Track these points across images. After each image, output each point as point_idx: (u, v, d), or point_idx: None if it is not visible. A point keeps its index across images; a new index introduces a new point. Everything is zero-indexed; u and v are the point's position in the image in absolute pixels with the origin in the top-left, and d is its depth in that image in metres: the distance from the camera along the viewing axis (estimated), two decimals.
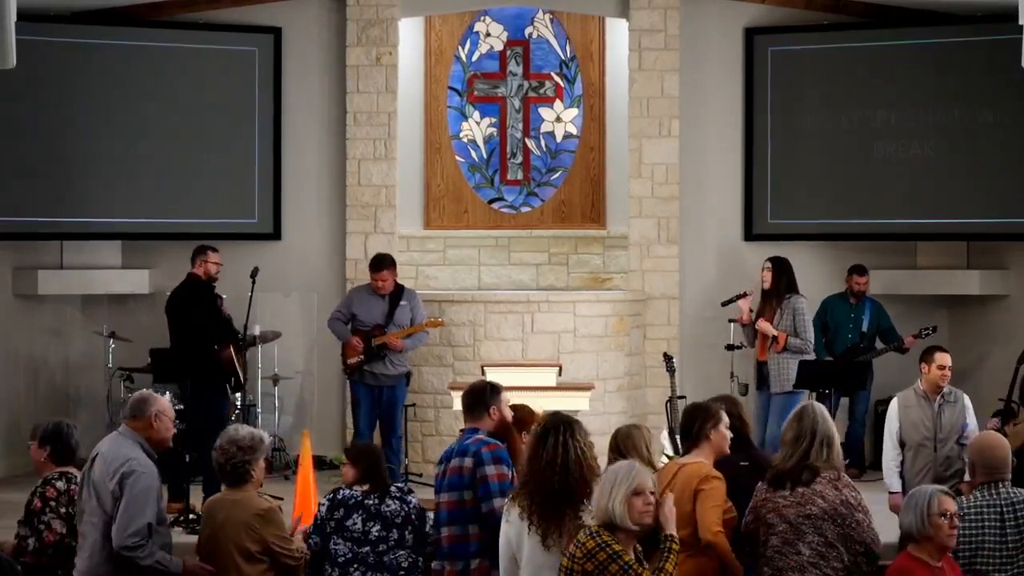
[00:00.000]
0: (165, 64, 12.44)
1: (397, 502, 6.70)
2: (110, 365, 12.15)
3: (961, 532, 5.82)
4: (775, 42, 12.76)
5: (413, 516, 6.70)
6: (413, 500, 6.78)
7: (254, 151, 12.69)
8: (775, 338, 10.85)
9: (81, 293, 12.68)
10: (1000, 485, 5.97)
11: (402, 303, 11.16)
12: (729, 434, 6.56)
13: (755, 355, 11.16)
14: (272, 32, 12.68)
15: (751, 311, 11.23)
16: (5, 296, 12.28)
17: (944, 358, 8.83)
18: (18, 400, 12.27)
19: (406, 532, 6.66)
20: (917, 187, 12.46)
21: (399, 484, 6.91)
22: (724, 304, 11.63)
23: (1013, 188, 12.13)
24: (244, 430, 6.47)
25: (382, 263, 11.18)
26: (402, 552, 6.65)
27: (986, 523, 5.90)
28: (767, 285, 11.09)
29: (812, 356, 11.03)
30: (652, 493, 5.56)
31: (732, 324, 12.06)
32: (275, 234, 12.67)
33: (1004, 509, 5.88)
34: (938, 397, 8.81)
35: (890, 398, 12.37)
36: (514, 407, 7.09)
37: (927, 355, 8.94)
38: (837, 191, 12.66)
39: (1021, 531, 5.85)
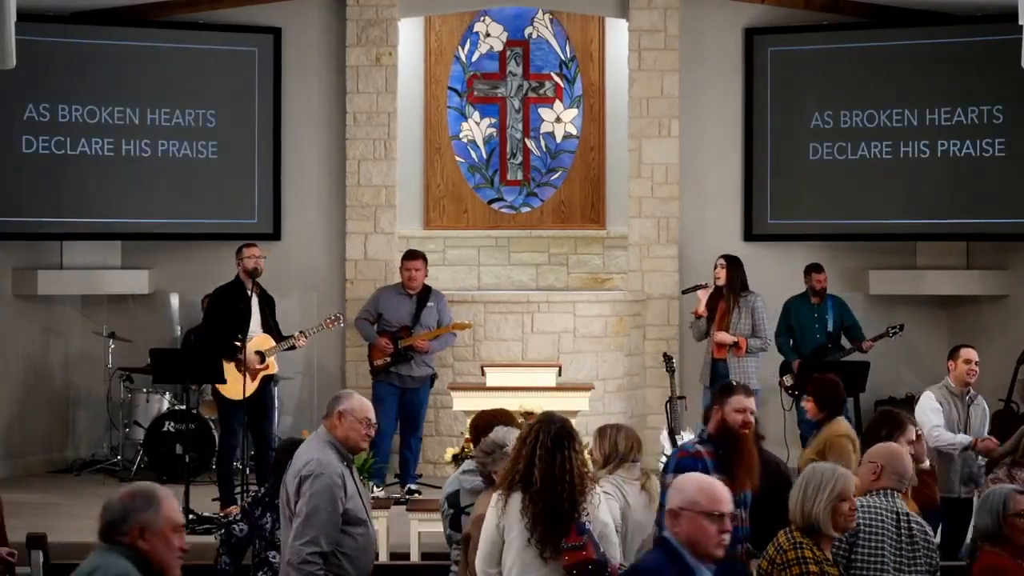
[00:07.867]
0: (165, 64, 12.44)
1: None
2: (110, 365, 12.14)
3: (862, 533, 5.80)
4: (775, 42, 12.75)
5: None
6: None
7: (254, 151, 12.68)
8: (736, 344, 10.87)
9: (81, 293, 12.67)
10: (897, 494, 5.98)
11: (429, 304, 11.21)
12: (911, 448, 6.45)
13: (710, 352, 11.08)
14: (272, 32, 12.67)
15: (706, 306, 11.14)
16: (5, 296, 12.26)
17: (970, 353, 8.88)
18: (18, 400, 12.26)
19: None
20: (917, 187, 12.45)
21: None
22: (684, 292, 11.62)
23: (1013, 188, 12.13)
24: (493, 436, 6.34)
25: (417, 253, 11.36)
26: None
27: (885, 527, 5.85)
28: (721, 281, 11.07)
29: (767, 352, 11.17)
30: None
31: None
32: (275, 234, 12.65)
33: (900, 518, 5.89)
34: (966, 397, 8.81)
35: (891, 398, 12.48)
36: (484, 413, 6.96)
37: (953, 353, 8.98)
38: (837, 191, 12.65)
39: (915, 548, 5.85)
